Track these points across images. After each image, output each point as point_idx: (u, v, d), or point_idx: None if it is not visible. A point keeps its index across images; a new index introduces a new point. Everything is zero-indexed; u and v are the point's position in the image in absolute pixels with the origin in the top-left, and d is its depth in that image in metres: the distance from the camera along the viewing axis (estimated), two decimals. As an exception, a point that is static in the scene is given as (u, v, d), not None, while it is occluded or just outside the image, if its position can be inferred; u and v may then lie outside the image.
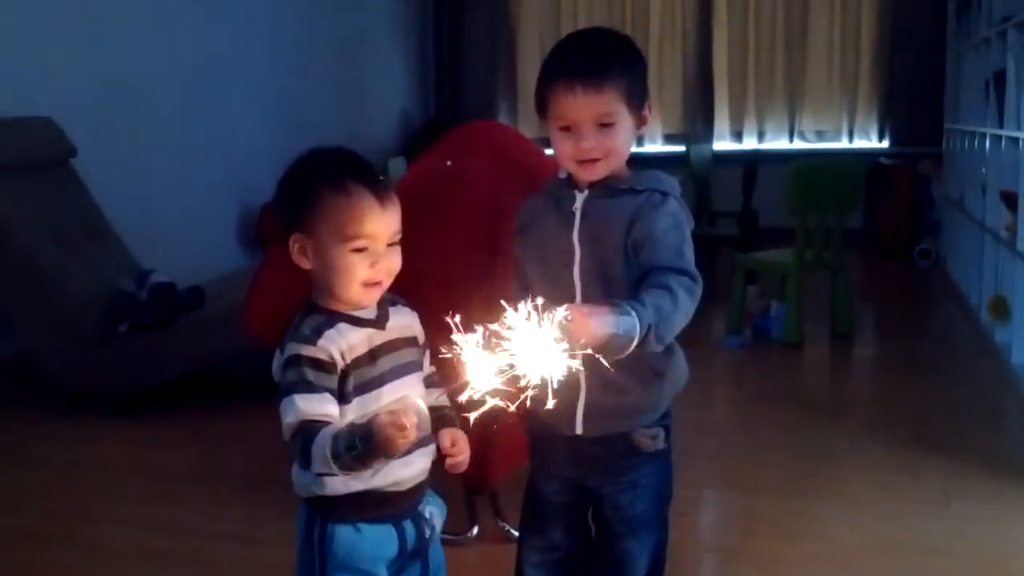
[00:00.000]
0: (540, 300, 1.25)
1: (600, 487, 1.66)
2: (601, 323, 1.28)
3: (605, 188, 1.56)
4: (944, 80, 6.90)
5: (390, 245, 1.43)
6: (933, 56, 7.11)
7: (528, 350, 1.21)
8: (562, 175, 1.63)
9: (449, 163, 2.24)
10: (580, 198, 1.56)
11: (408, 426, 1.25)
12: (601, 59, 1.52)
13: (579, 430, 1.59)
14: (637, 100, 1.55)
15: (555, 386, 1.23)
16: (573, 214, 1.56)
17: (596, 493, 1.67)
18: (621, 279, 1.51)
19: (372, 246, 1.41)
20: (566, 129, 1.52)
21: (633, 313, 1.33)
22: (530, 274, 1.62)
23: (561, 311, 1.24)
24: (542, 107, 1.56)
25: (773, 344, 4.44)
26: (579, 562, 1.76)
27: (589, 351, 1.27)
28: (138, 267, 3.99)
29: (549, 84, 1.53)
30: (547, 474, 1.71)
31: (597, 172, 1.55)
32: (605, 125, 1.51)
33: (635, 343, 1.33)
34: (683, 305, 1.43)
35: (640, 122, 1.57)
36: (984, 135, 4.80)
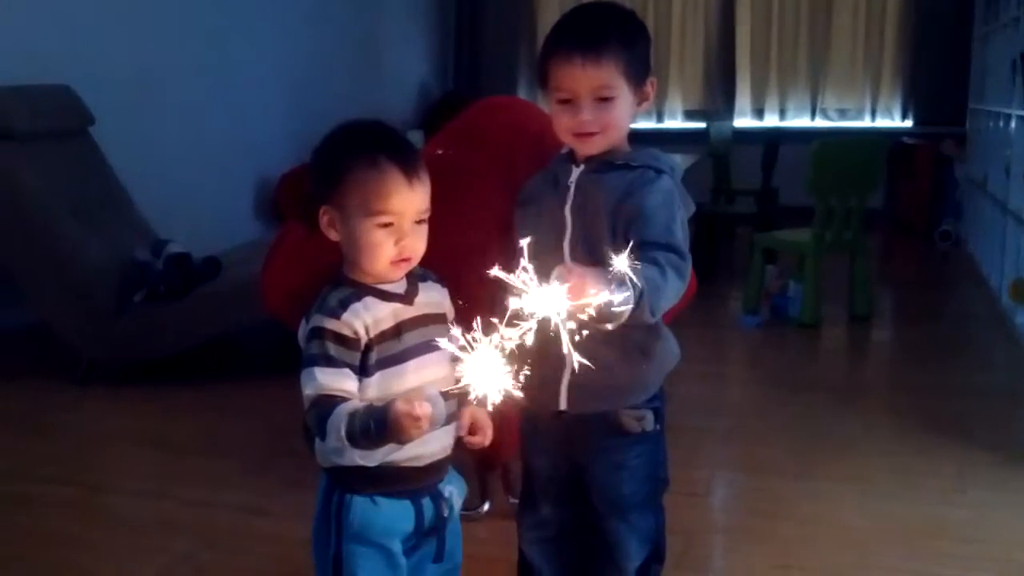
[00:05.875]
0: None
1: (586, 464, 1.66)
2: (598, 287, 1.26)
3: (601, 163, 1.55)
4: (969, 60, 6.81)
5: (417, 223, 1.42)
6: (958, 35, 7.02)
7: (479, 367, 1.19)
8: (565, 150, 1.63)
9: (440, 152, 2.22)
10: (576, 172, 1.56)
11: (422, 416, 1.25)
12: (601, 31, 1.51)
13: (563, 406, 1.59)
14: (637, 75, 1.54)
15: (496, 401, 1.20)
16: (568, 188, 1.56)
17: (583, 469, 1.67)
18: (609, 255, 1.50)
19: (398, 222, 1.40)
20: (565, 102, 1.52)
21: (627, 282, 1.31)
22: (525, 248, 1.62)
23: (556, 272, 1.23)
24: (544, 79, 1.56)
25: (790, 324, 4.41)
26: (575, 541, 1.75)
27: (582, 317, 1.23)
28: (154, 236, 3.99)
29: (549, 56, 1.53)
30: (538, 448, 1.71)
31: (594, 146, 1.54)
32: (604, 99, 1.50)
33: (628, 312, 1.31)
34: (672, 280, 1.41)
35: (641, 98, 1.56)
36: (1009, 116, 4.73)
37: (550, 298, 1.20)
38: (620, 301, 1.28)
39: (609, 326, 1.31)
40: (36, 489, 2.76)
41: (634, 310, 1.32)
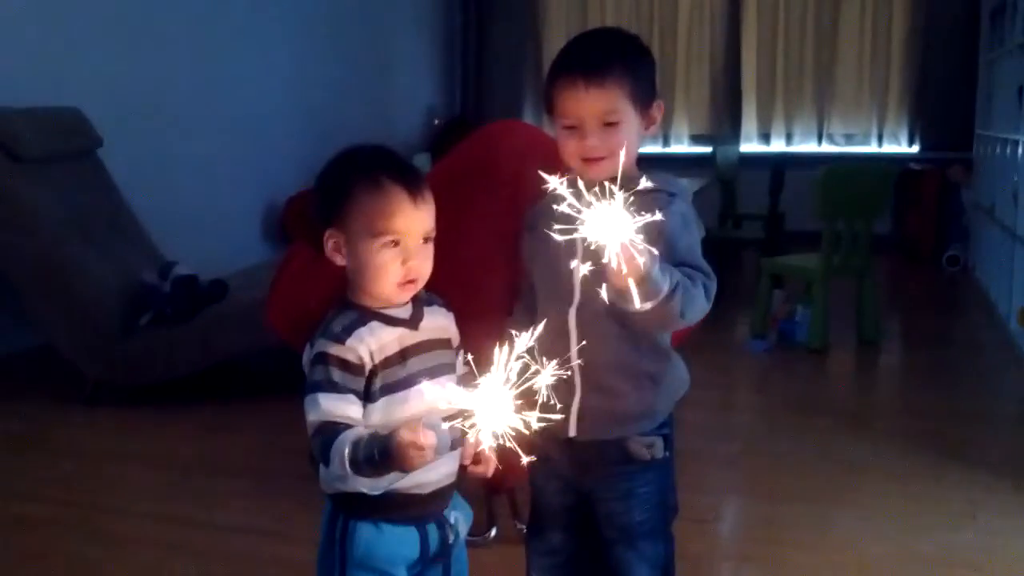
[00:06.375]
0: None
1: (595, 491, 1.65)
2: (642, 262, 1.28)
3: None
4: (976, 85, 6.82)
5: (424, 243, 1.42)
6: (965, 61, 7.03)
7: (487, 403, 1.19)
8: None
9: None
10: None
11: (426, 446, 1.24)
12: (604, 56, 1.52)
13: (572, 432, 1.58)
14: (643, 99, 1.54)
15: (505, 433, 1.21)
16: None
17: (592, 497, 1.66)
18: None
19: (403, 242, 1.40)
20: (571, 127, 1.52)
21: (666, 272, 1.33)
22: (534, 273, 1.62)
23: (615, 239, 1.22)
24: (550, 105, 1.56)
25: (798, 349, 4.40)
26: (584, 568, 1.74)
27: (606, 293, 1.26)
28: (161, 259, 4.00)
29: (554, 82, 1.54)
30: (546, 475, 1.69)
31: (602, 171, 1.53)
32: (610, 124, 1.51)
33: (661, 296, 1.33)
34: (700, 293, 1.43)
35: (648, 122, 1.56)
36: (1016, 142, 4.73)
37: (604, 223, 1.19)
38: (657, 276, 1.29)
39: (641, 306, 1.31)
40: (42, 509, 2.75)
41: (668, 299, 1.32)
